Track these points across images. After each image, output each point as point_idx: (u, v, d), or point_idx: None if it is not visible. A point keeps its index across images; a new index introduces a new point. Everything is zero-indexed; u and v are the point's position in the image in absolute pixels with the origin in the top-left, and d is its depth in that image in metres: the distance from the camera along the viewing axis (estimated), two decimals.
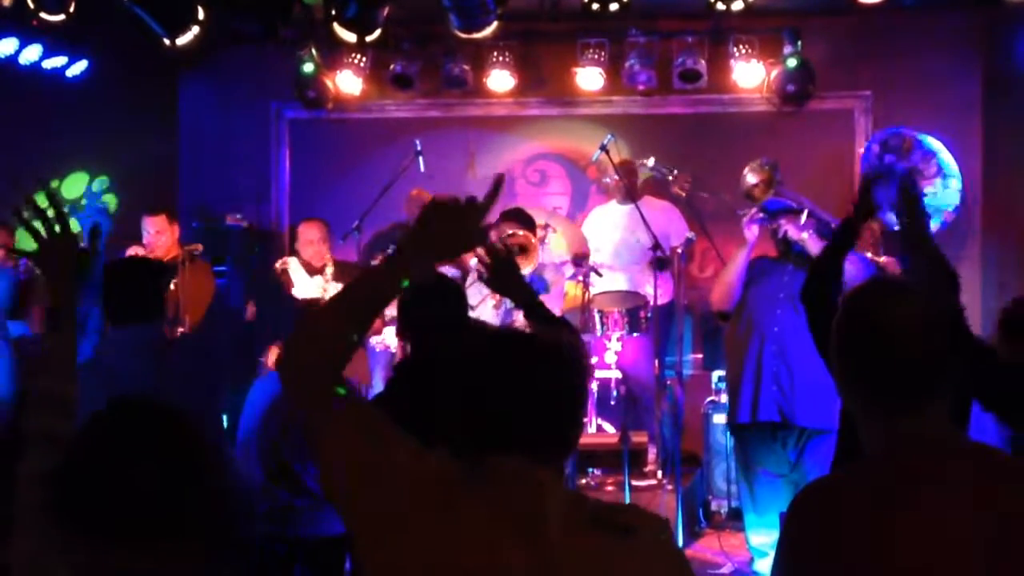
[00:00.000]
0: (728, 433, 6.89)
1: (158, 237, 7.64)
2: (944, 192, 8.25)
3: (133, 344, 3.91)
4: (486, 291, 7.09)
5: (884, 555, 2.01)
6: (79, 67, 8.51)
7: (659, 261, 7.48)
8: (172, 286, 7.47)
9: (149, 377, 3.76)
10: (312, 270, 7.51)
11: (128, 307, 3.91)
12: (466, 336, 2.11)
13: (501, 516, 1.90)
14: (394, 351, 7.26)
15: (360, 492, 1.95)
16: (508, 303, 7.04)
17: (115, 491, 1.87)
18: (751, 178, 6.68)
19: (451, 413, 2.01)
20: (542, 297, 7.14)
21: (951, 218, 8.31)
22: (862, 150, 8.40)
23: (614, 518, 1.94)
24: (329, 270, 7.49)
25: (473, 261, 7.85)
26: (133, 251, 7.45)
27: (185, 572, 1.91)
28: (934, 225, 8.21)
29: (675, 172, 8.31)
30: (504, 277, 3.66)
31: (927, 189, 8.27)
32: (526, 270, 7.18)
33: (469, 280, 7.05)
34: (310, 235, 7.61)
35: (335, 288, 7.32)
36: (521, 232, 7.23)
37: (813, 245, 5.86)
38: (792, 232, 6.00)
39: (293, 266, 7.56)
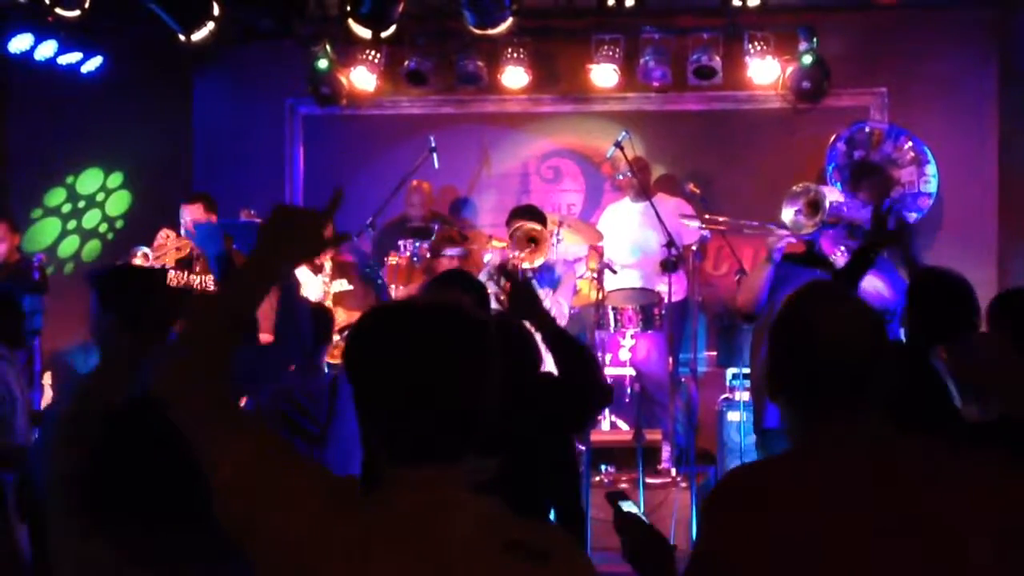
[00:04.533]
0: (743, 431, 6.87)
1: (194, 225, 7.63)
2: (923, 180, 8.23)
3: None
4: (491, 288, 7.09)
5: (804, 551, 2.05)
6: (94, 63, 8.52)
7: (668, 263, 7.46)
8: (185, 281, 7.48)
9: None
10: (314, 268, 7.51)
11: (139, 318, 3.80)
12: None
13: (405, 543, 1.81)
14: None
15: (258, 518, 1.87)
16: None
17: (143, 480, 2.12)
18: (790, 209, 6.17)
19: (363, 413, 1.92)
20: (551, 292, 7.22)
21: (928, 206, 8.27)
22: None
23: (528, 543, 1.82)
24: (328, 266, 7.48)
25: (487, 257, 7.86)
26: (141, 257, 7.41)
27: (202, 551, 2.05)
28: (914, 216, 8.21)
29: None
30: (524, 303, 3.61)
31: (903, 178, 8.25)
32: (536, 263, 7.19)
33: (482, 274, 7.05)
34: None
35: (337, 286, 7.32)
36: (532, 225, 7.23)
37: (843, 259, 5.81)
38: (825, 247, 5.93)
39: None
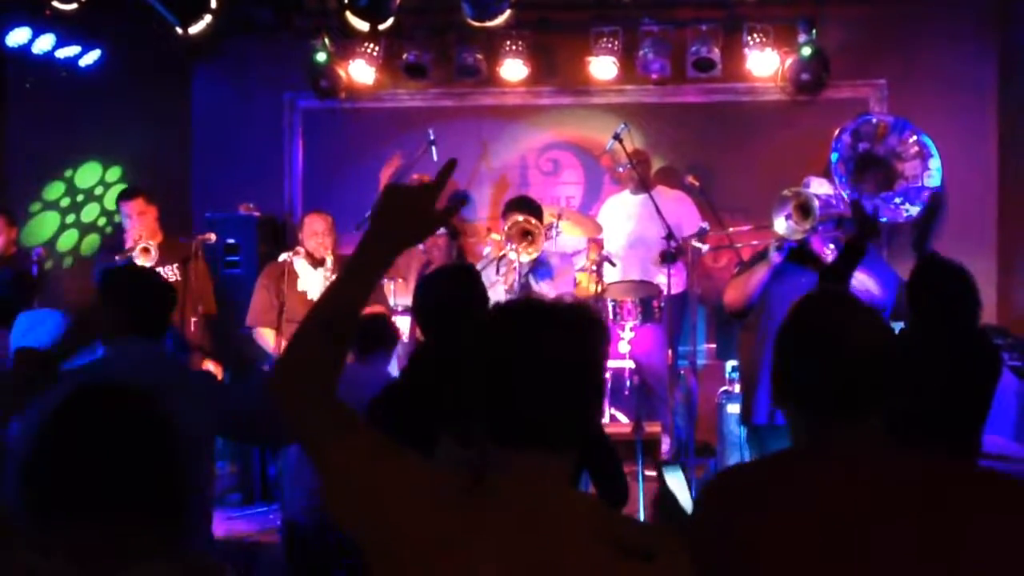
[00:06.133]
0: (742, 425, 6.86)
1: (141, 219, 7.58)
2: (926, 174, 8.22)
3: (139, 359, 3.65)
4: (495, 277, 7.09)
5: (801, 553, 2.05)
6: (92, 56, 8.50)
7: (666, 255, 7.46)
8: (179, 275, 7.47)
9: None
10: (314, 262, 7.51)
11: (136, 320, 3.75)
12: (484, 313, 2.07)
13: (511, 538, 1.84)
14: (406, 340, 7.26)
15: (372, 514, 1.91)
16: (519, 286, 7.04)
17: (79, 470, 2.11)
18: (781, 216, 5.89)
19: (471, 397, 1.96)
20: (546, 283, 7.21)
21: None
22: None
23: (634, 541, 1.86)
24: (329, 261, 7.47)
25: (486, 250, 7.86)
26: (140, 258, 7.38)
27: (143, 543, 2.08)
28: (916, 210, 8.19)
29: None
30: None
31: (907, 172, 8.23)
32: (531, 256, 7.19)
33: (479, 265, 7.05)
34: (315, 227, 7.59)
35: None
36: (524, 218, 7.22)
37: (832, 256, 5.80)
38: (815, 244, 5.92)
39: (298, 260, 7.53)
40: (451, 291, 3.70)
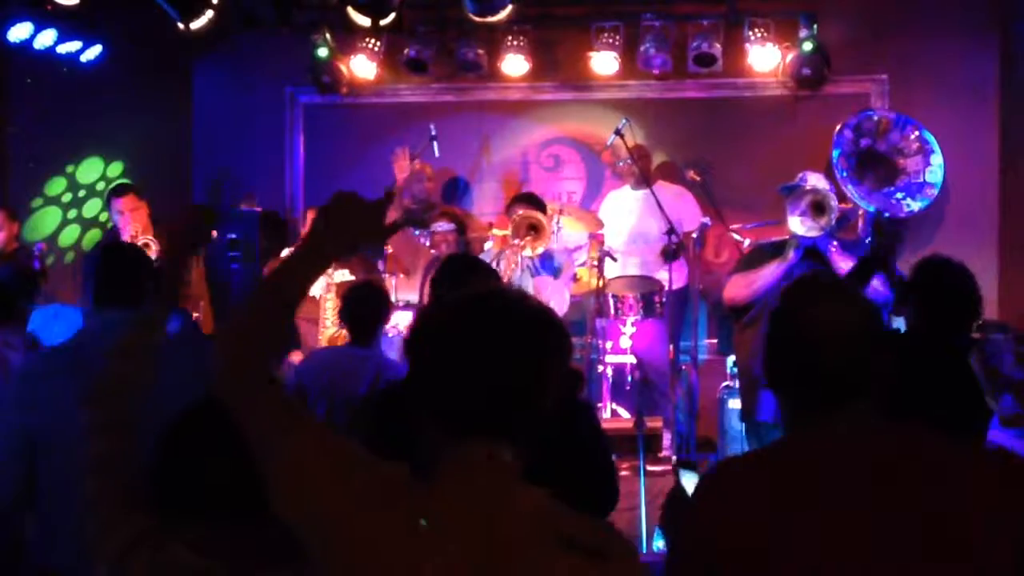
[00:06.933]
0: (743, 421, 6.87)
1: (134, 215, 7.58)
2: (927, 169, 8.22)
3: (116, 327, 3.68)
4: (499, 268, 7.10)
5: (795, 542, 2.06)
6: (93, 52, 8.49)
7: (669, 252, 7.46)
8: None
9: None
10: None
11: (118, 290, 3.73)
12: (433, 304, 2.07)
13: (458, 534, 1.81)
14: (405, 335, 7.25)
15: (317, 514, 1.87)
16: (518, 282, 7.05)
17: (205, 476, 2.19)
18: (795, 216, 5.91)
19: (414, 388, 1.95)
20: (552, 280, 7.22)
21: (933, 196, 8.26)
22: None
23: (585, 539, 1.83)
24: None
25: (488, 245, 7.86)
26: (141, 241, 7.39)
27: (287, 546, 2.02)
28: (918, 205, 8.20)
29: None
30: None
31: (909, 168, 8.23)
32: (536, 251, 7.20)
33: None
34: None
35: (339, 276, 7.32)
36: (532, 212, 7.23)
37: (841, 260, 5.80)
38: (819, 242, 5.89)
39: None
40: (471, 283, 3.70)
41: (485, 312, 1.94)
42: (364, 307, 5.38)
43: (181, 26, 7.47)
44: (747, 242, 7.52)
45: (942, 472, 2.09)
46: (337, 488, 1.87)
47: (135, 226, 7.50)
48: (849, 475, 2.09)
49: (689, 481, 2.36)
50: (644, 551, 5.49)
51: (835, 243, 5.87)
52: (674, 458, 6.61)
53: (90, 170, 9.06)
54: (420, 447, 1.93)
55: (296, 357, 6.63)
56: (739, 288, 5.99)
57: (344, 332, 5.92)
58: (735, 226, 7.77)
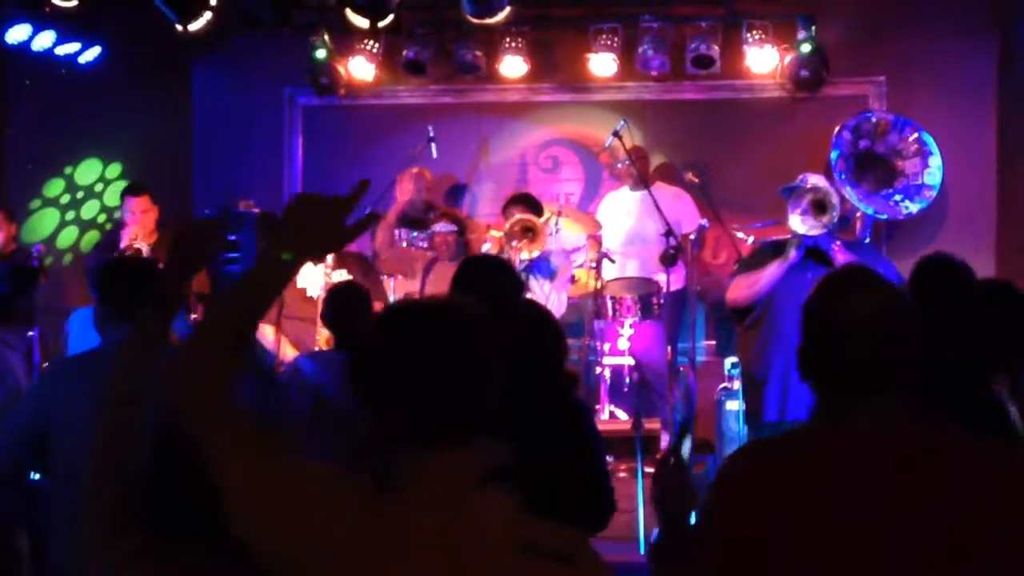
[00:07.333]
0: (741, 420, 6.87)
1: (144, 217, 7.60)
2: (926, 171, 8.23)
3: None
4: None
5: (818, 525, 2.07)
6: (92, 53, 8.49)
7: (667, 257, 7.47)
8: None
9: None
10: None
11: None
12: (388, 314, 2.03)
13: (420, 543, 1.79)
14: None
15: (273, 537, 1.83)
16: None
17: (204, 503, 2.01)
18: (796, 214, 5.94)
19: (366, 398, 1.92)
20: (547, 283, 7.22)
21: (931, 197, 8.26)
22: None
23: (550, 545, 1.81)
24: (329, 258, 7.46)
25: (486, 247, 7.86)
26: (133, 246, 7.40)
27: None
28: (916, 207, 8.19)
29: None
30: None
31: (907, 169, 8.23)
32: (532, 254, 7.20)
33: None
34: None
35: (338, 276, 7.32)
36: (525, 216, 7.23)
37: (844, 259, 5.79)
38: (821, 241, 5.88)
39: None
40: (498, 283, 3.69)
41: (425, 321, 1.91)
42: (345, 309, 5.32)
43: (179, 27, 7.47)
44: (751, 240, 7.52)
45: (965, 464, 2.10)
46: (299, 502, 1.83)
47: (135, 230, 7.50)
48: (868, 465, 2.10)
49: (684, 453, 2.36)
50: (642, 552, 5.50)
51: (838, 242, 5.87)
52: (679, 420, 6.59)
53: (88, 171, 9.06)
54: (381, 457, 1.90)
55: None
56: (741, 289, 5.99)
57: None
58: (738, 226, 7.77)
